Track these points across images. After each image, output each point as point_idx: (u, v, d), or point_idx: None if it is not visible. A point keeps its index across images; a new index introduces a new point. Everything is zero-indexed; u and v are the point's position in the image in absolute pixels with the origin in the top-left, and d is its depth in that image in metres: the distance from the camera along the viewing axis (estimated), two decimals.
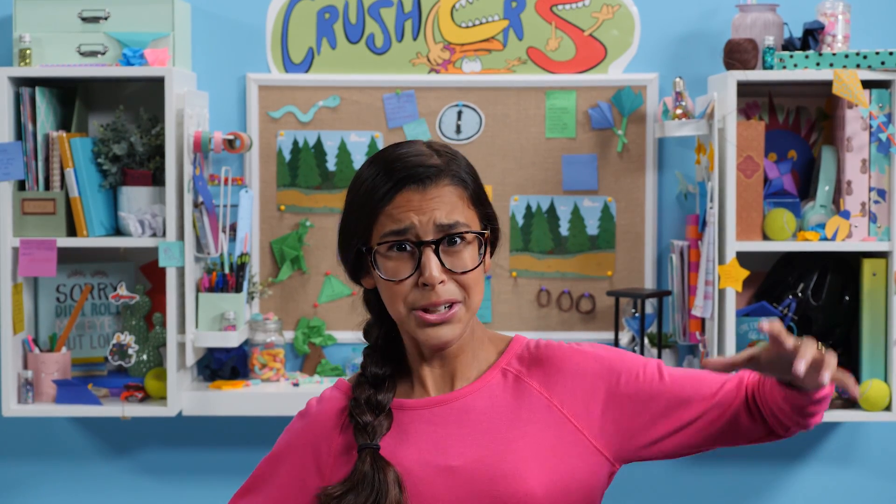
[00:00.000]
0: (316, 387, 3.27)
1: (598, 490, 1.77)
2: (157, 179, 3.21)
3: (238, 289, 3.22)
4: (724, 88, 3.11)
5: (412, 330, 1.74)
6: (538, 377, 1.77)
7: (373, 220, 1.74)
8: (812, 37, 3.19)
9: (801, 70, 3.12)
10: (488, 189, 3.38)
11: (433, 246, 1.71)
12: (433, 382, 1.79)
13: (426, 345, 1.75)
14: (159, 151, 3.19)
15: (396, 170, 1.73)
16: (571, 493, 1.73)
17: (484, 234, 1.75)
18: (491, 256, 1.80)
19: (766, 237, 3.17)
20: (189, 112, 3.15)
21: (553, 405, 1.76)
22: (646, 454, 1.77)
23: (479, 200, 1.78)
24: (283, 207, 3.40)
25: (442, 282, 1.71)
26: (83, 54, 3.18)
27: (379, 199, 1.73)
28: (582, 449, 1.75)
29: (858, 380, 3.18)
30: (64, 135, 3.14)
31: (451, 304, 1.72)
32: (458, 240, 1.72)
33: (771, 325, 1.61)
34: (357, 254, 1.77)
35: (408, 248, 1.72)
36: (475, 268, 1.73)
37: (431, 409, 1.77)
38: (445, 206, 1.73)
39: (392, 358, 1.81)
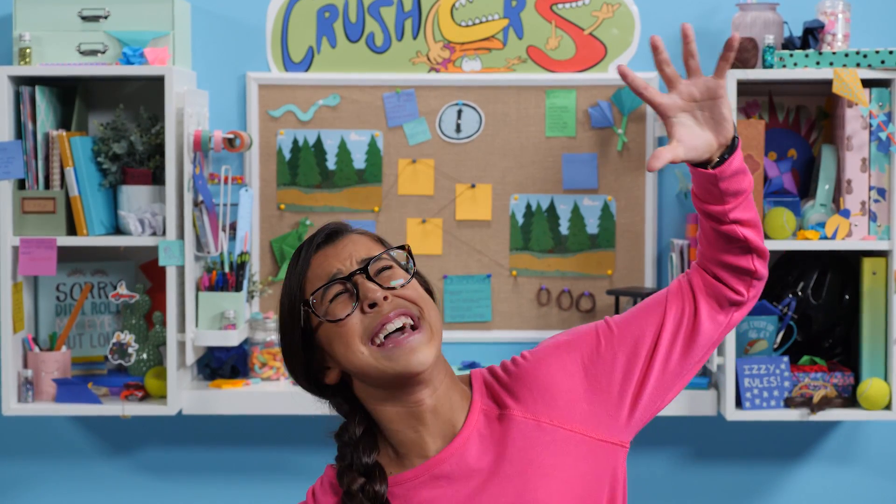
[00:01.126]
0: None
1: (618, 480, 1.75)
2: (157, 178, 3.21)
3: (238, 288, 3.22)
4: None
5: (382, 367, 1.68)
6: (515, 403, 1.74)
7: (301, 291, 1.73)
8: (812, 36, 3.19)
9: (801, 69, 3.12)
10: (487, 188, 3.39)
11: (364, 274, 1.70)
12: (433, 439, 1.74)
13: (405, 372, 1.68)
14: (159, 150, 3.19)
15: (301, 249, 1.76)
16: (593, 497, 1.72)
17: (404, 246, 1.76)
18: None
19: (766, 236, 3.17)
20: (189, 111, 3.15)
21: (541, 423, 1.73)
22: (642, 411, 1.75)
23: (401, 247, 1.78)
24: (282, 206, 3.40)
25: (386, 297, 1.69)
26: (83, 53, 3.18)
27: (301, 272, 1.74)
28: (586, 449, 1.73)
29: (858, 379, 3.19)
30: (64, 134, 3.14)
31: (412, 325, 1.69)
32: (385, 268, 1.73)
33: (655, 38, 1.66)
34: (306, 346, 1.74)
35: (341, 288, 1.70)
36: (411, 278, 1.73)
37: (431, 472, 1.72)
38: (360, 247, 1.75)
39: (375, 447, 1.76)
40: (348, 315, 1.69)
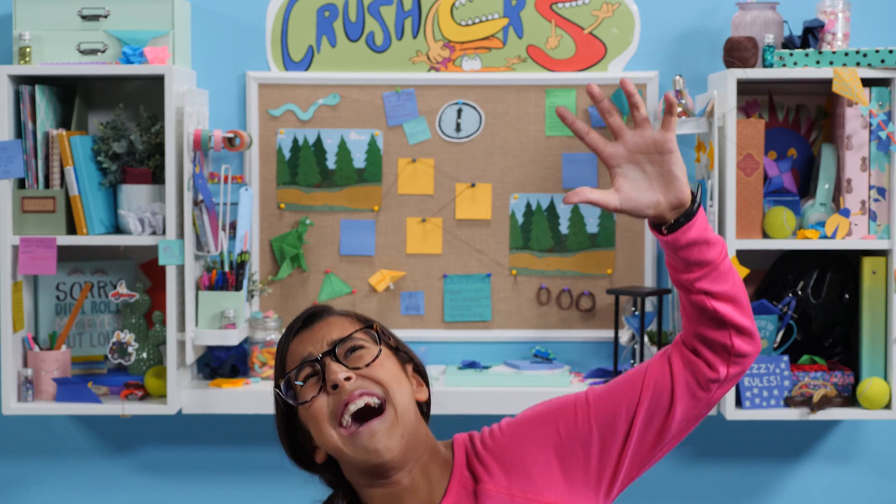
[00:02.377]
0: None
1: None
2: (157, 177, 3.21)
3: (238, 287, 3.22)
4: (723, 86, 3.11)
5: (352, 454, 1.69)
6: (489, 477, 1.74)
7: (282, 376, 1.76)
8: (812, 35, 3.19)
9: (800, 68, 3.12)
10: (487, 187, 3.38)
11: (331, 355, 1.71)
12: None
13: (370, 460, 1.69)
14: (159, 149, 3.19)
15: (288, 330, 1.80)
16: None
17: (373, 325, 1.76)
18: (427, 386, 1.80)
19: (765, 235, 3.17)
20: (189, 110, 3.15)
21: (515, 496, 1.72)
22: (622, 478, 1.75)
23: (370, 326, 1.78)
24: (282, 205, 3.40)
25: (349, 378, 1.69)
26: (83, 52, 3.18)
27: (282, 357, 1.77)
28: None
29: (858, 378, 3.19)
30: (64, 133, 3.14)
31: (378, 403, 1.69)
32: (356, 348, 1.73)
33: (591, 87, 1.62)
34: (290, 426, 1.77)
35: (311, 371, 1.72)
36: (377, 356, 1.72)
37: None
38: (334, 328, 1.75)
39: None
40: (314, 397, 1.70)
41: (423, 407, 1.80)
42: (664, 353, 1.73)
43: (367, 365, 1.71)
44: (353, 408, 1.68)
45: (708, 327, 1.67)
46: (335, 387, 1.69)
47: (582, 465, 1.73)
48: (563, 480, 1.73)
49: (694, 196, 1.64)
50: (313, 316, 1.79)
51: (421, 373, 1.81)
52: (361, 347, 1.73)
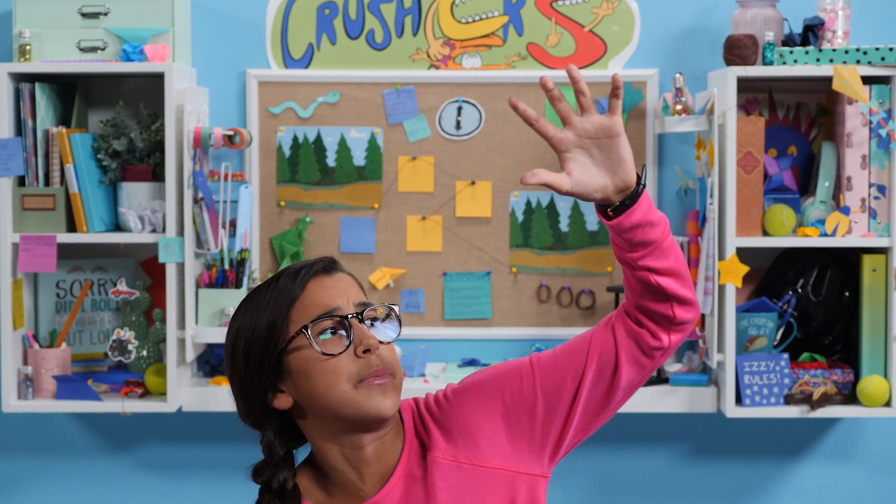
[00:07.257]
0: None
1: None
2: (157, 175, 3.21)
3: (238, 284, 3.23)
4: (724, 84, 3.11)
5: (356, 406, 1.69)
6: (436, 445, 1.76)
7: (288, 315, 1.71)
8: (812, 33, 3.19)
9: (801, 66, 3.12)
10: (487, 185, 3.38)
11: (361, 318, 1.71)
12: (370, 479, 1.75)
13: (372, 415, 1.69)
14: (159, 147, 3.20)
15: (297, 272, 1.73)
16: None
17: (394, 308, 1.76)
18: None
19: (766, 233, 3.17)
20: (189, 108, 3.15)
21: (461, 464, 1.75)
22: (567, 444, 1.78)
23: (393, 306, 1.79)
24: (282, 203, 3.40)
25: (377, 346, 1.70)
26: (83, 50, 3.18)
27: (294, 293, 1.71)
28: (507, 483, 1.75)
29: (858, 376, 3.19)
30: (64, 131, 3.14)
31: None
32: (378, 318, 1.73)
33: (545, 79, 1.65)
34: (273, 364, 1.73)
35: (334, 324, 1.70)
36: (398, 336, 1.74)
37: None
38: (354, 289, 1.74)
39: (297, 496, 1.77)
40: (341, 353, 1.68)
41: None
42: (608, 322, 1.77)
43: (389, 342, 1.72)
44: (377, 382, 1.68)
45: (651, 300, 1.72)
46: (366, 351, 1.69)
47: (527, 432, 1.76)
48: (510, 447, 1.76)
49: (639, 178, 1.68)
50: (333, 265, 1.75)
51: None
52: (381, 320, 1.74)
